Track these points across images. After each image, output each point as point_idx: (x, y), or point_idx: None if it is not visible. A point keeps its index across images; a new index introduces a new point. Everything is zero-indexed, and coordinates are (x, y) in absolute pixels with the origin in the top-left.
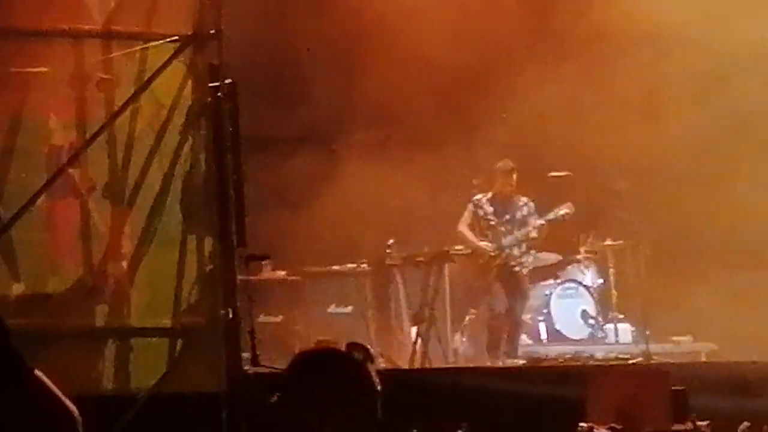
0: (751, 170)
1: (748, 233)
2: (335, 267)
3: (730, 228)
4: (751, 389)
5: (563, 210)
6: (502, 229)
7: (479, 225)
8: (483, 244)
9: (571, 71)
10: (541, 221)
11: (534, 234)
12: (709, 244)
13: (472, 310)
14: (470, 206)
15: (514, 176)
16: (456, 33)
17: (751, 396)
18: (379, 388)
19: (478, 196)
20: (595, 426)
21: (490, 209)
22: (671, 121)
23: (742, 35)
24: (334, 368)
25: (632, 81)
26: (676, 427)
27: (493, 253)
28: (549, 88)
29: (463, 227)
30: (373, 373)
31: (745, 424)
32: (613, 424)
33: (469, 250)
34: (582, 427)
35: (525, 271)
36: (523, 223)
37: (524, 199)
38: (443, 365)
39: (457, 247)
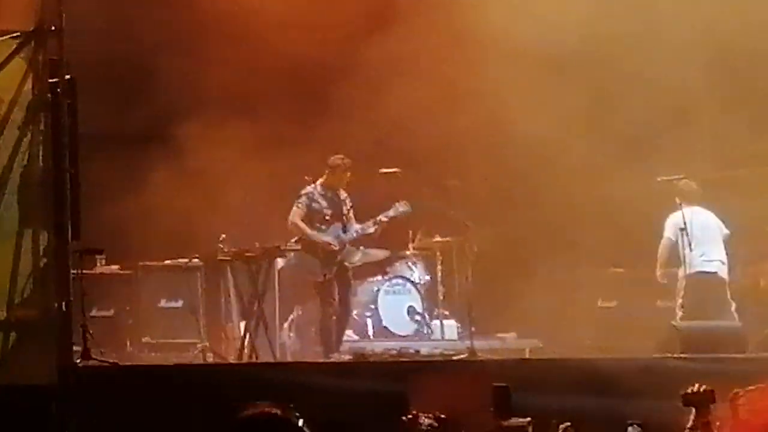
0: (585, 166)
1: (577, 231)
2: (167, 261)
3: (559, 225)
4: (573, 387)
5: (402, 207)
6: (338, 223)
7: (313, 218)
8: (327, 238)
9: (416, 60)
10: (383, 217)
11: (372, 230)
12: (537, 241)
13: (299, 306)
14: (303, 199)
15: (348, 173)
16: (304, 20)
17: (573, 393)
18: None
19: (309, 189)
20: (420, 415)
21: (324, 203)
22: (511, 115)
23: (593, 11)
24: None
25: (476, 74)
26: (497, 423)
27: (336, 247)
28: (393, 79)
29: (297, 220)
30: None
31: (566, 424)
32: (437, 413)
33: (299, 246)
34: (407, 417)
35: (351, 266)
36: (348, 218)
37: (344, 194)
38: (271, 360)
39: (290, 242)
